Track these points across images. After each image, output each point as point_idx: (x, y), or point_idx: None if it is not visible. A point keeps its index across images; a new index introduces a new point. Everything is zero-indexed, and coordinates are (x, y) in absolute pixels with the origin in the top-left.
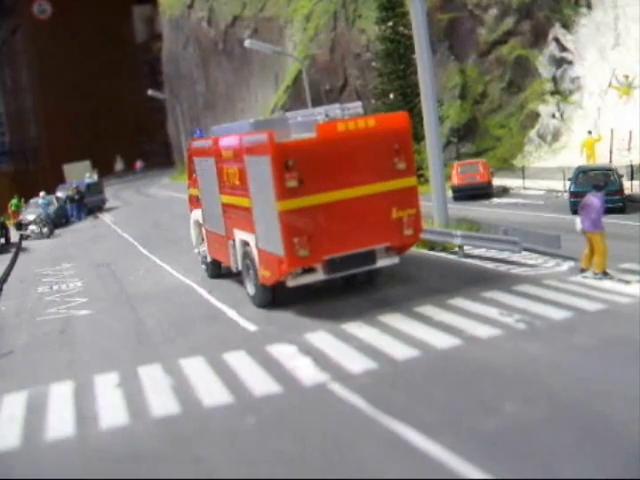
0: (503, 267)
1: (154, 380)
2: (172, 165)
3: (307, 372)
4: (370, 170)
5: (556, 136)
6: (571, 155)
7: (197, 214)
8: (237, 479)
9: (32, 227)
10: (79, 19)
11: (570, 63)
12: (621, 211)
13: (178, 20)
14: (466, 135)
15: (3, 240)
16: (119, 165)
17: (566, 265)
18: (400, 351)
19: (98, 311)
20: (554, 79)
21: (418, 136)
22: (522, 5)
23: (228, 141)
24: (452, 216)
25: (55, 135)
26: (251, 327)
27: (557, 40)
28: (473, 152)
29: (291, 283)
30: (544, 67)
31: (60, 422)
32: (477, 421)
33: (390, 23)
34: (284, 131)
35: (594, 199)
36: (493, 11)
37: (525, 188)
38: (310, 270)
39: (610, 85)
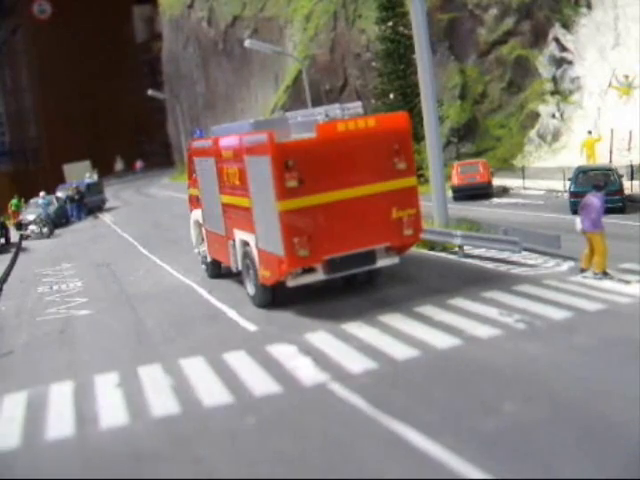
0: (503, 267)
1: (154, 380)
2: (172, 165)
3: (307, 372)
4: (370, 170)
5: (556, 136)
6: (571, 155)
7: (197, 214)
8: (237, 479)
9: (32, 227)
10: (79, 19)
11: (570, 63)
12: (621, 211)
13: (178, 20)
14: (466, 135)
15: (3, 240)
16: (119, 165)
17: (566, 265)
18: (400, 351)
19: (98, 311)
20: (554, 79)
21: (418, 136)
22: (522, 5)
23: (228, 141)
24: (452, 216)
25: (55, 135)
26: (251, 327)
27: (557, 40)
28: (473, 152)
29: (291, 283)
30: (544, 67)
31: (60, 422)
32: (477, 421)
33: (390, 23)
34: (284, 131)
35: (594, 199)
36: (493, 11)
37: (525, 188)
38: (310, 270)
39: (610, 85)
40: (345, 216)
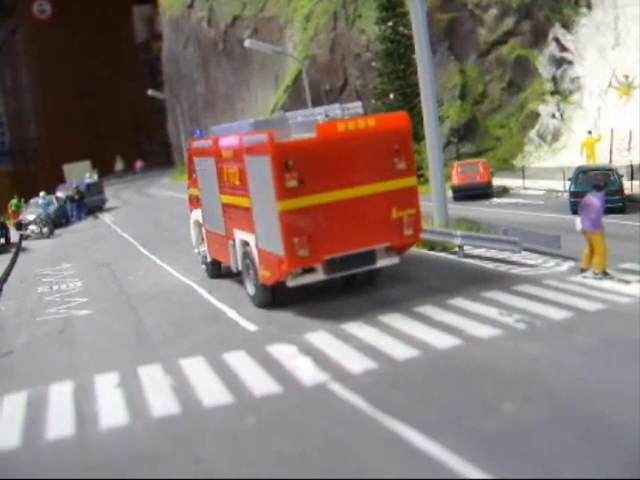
0: (503, 267)
1: (154, 380)
2: (172, 165)
3: (307, 372)
4: (370, 170)
5: (556, 136)
6: (571, 155)
7: (197, 214)
8: (237, 479)
9: (32, 227)
10: (79, 19)
11: (570, 63)
12: (621, 211)
13: (178, 20)
14: (466, 135)
15: (3, 240)
16: (119, 165)
17: (566, 265)
18: (400, 351)
19: (98, 311)
20: (554, 79)
21: (418, 136)
22: (522, 5)
23: (228, 141)
24: (452, 216)
25: (55, 135)
26: (251, 327)
27: (557, 40)
28: (473, 152)
29: (291, 283)
30: (544, 67)
31: (60, 422)
32: (477, 421)
33: (390, 23)
34: (284, 131)
35: (594, 199)
36: (493, 11)
37: (525, 188)
38: (310, 270)
39: (610, 85)
40: (345, 216)
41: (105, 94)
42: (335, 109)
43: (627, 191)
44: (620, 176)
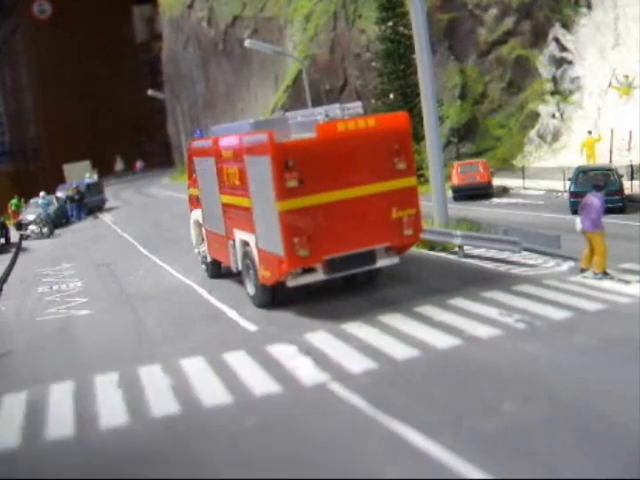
0: (503, 267)
1: (154, 380)
2: (172, 165)
3: (307, 372)
4: (370, 170)
5: (556, 136)
6: (571, 155)
7: (197, 214)
8: (237, 479)
9: (32, 227)
10: (79, 19)
11: (570, 63)
12: (621, 211)
13: (178, 20)
14: (466, 135)
15: (3, 240)
16: (119, 165)
17: (566, 265)
18: (400, 351)
19: (98, 311)
20: (554, 79)
21: (418, 136)
22: (522, 5)
23: (228, 141)
24: (452, 216)
25: (55, 135)
26: (251, 327)
27: (557, 40)
28: (473, 152)
29: (291, 283)
30: (544, 67)
31: (60, 422)
32: (477, 421)
33: (390, 23)
34: (284, 131)
35: (594, 199)
36: (493, 11)
37: (525, 188)
38: (310, 270)
39: (610, 85)
40: (345, 216)
41: (105, 94)
42: (335, 109)
43: (627, 191)
44: (620, 176)
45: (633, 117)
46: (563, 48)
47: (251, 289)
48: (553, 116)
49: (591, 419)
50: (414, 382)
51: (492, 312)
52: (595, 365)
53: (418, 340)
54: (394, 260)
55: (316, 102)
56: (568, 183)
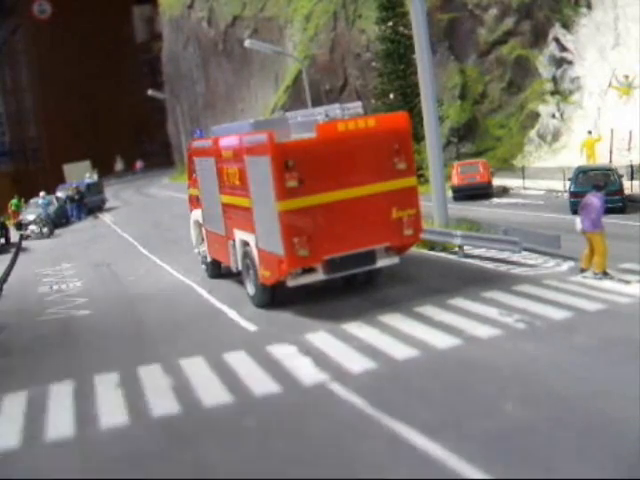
0: (503, 267)
1: (154, 380)
2: (172, 165)
3: (307, 372)
4: (370, 170)
5: (556, 136)
6: (571, 155)
7: (197, 214)
8: (237, 479)
9: (32, 227)
10: (79, 19)
11: (570, 63)
12: (621, 211)
13: (178, 20)
14: (466, 135)
15: (3, 240)
16: (119, 165)
17: (566, 265)
18: (400, 351)
19: (98, 311)
20: (554, 79)
21: (418, 136)
22: (522, 5)
23: (228, 141)
24: (452, 216)
25: (55, 135)
26: (251, 327)
27: (557, 40)
28: (473, 152)
29: (291, 283)
30: (544, 67)
31: (60, 422)
32: (477, 421)
33: (390, 23)
34: (284, 131)
35: (594, 199)
36: (493, 11)
37: (525, 188)
38: (310, 270)
39: (610, 85)
40: (345, 216)
41: (105, 94)
42: (335, 109)
43: (627, 191)
44: (620, 176)
45: (633, 117)
46: (563, 48)
47: (251, 289)
48: (553, 116)
49: (591, 419)
50: (414, 382)
51: (492, 312)
52: (595, 365)
53: (418, 340)
54: (394, 260)
55: (316, 102)
56: (568, 183)
